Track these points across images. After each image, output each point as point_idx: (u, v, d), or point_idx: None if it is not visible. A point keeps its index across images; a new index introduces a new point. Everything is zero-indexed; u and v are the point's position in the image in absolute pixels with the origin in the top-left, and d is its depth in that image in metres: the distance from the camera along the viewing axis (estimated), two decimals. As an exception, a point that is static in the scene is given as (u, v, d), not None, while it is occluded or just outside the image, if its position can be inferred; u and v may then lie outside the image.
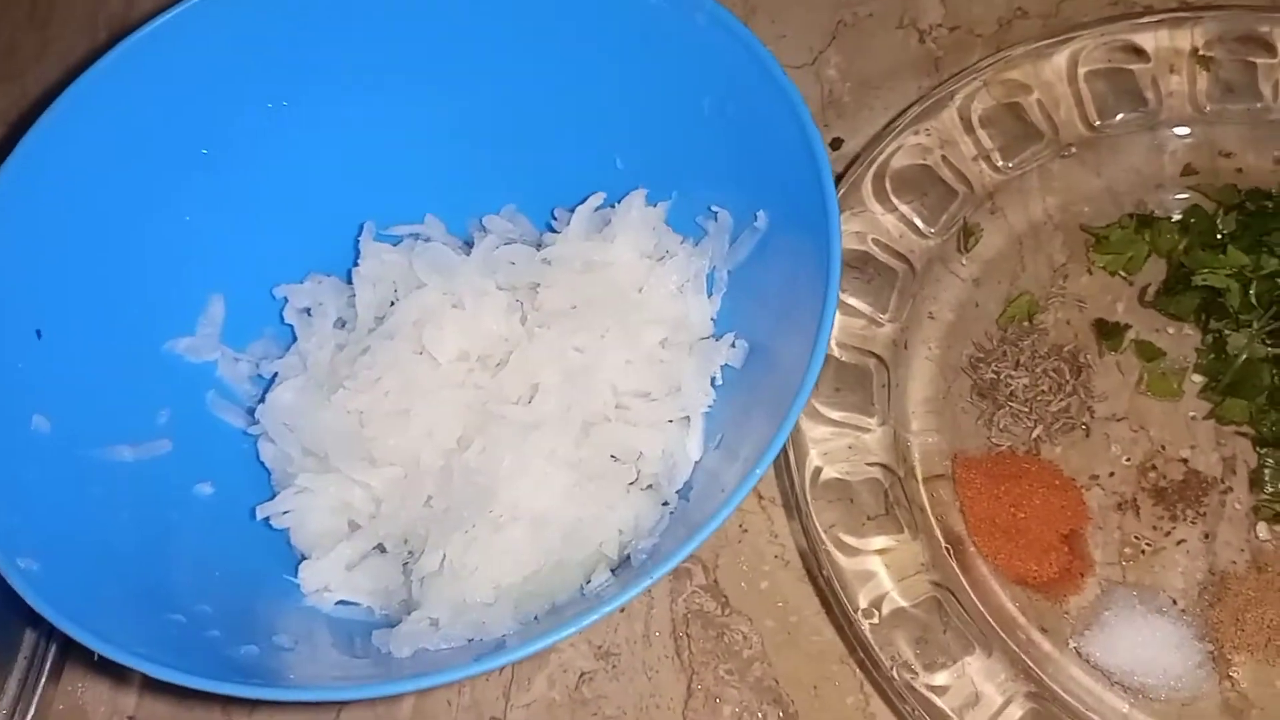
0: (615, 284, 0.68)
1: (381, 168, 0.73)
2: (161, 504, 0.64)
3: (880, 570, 0.63)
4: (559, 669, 0.68)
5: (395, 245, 0.72)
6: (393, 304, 0.71)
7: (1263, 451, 0.67)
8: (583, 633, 0.68)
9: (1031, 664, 0.62)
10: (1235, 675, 0.62)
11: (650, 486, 0.65)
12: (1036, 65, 0.75)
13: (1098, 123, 0.75)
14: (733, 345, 0.65)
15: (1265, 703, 0.62)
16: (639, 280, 0.68)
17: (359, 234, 0.73)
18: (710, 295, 0.67)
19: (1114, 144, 0.76)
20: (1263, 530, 0.66)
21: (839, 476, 0.66)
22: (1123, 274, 0.73)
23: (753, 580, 0.69)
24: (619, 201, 0.69)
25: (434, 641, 0.58)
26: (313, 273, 0.72)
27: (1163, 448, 0.68)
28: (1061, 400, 0.70)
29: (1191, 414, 0.69)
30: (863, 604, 0.62)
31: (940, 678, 0.60)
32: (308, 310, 0.72)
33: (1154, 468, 0.68)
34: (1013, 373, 0.70)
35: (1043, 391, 0.70)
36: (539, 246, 0.71)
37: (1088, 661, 0.63)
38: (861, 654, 0.63)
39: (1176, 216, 0.73)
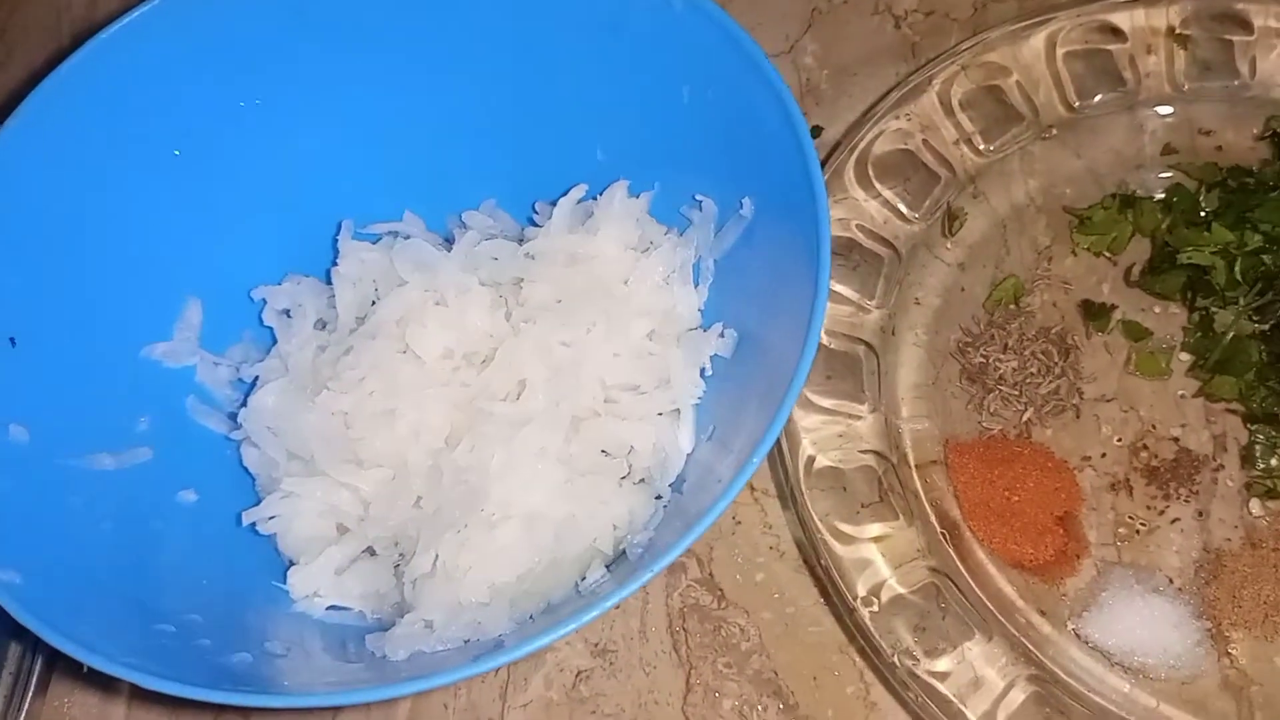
0: (600, 277, 0.67)
1: (357, 165, 0.71)
2: (144, 513, 0.62)
3: (877, 558, 0.63)
4: (555, 668, 0.67)
5: (374, 244, 0.71)
6: (373, 303, 0.70)
7: (1253, 428, 0.67)
8: (579, 630, 0.67)
9: (1031, 647, 0.62)
10: (1234, 652, 0.62)
11: (642, 480, 0.65)
12: (1015, 47, 0.75)
13: (1077, 104, 0.75)
14: (721, 335, 0.64)
15: (1264, 679, 0.62)
16: (624, 272, 0.67)
17: (336, 233, 0.72)
18: (697, 285, 0.67)
19: (1093, 125, 0.76)
20: (1255, 506, 0.66)
21: (832, 465, 0.65)
22: (1107, 254, 0.73)
23: (748, 572, 0.68)
24: (601, 193, 0.68)
25: (430, 644, 0.58)
26: (291, 273, 0.71)
27: (1153, 427, 0.68)
28: (1051, 382, 0.69)
29: (1180, 392, 0.69)
30: (861, 592, 0.62)
31: (942, 663, 0.60)
32: (287, 312, 0.71)
33: (1145, 447, 0.68)
34: (1001, 356, 0.70)
35: (1032, 374, 0.70)
36: (520, 241, 0.70)
37: (1087, 643, 0.63)
38: (862, 642, 0.62)
39: (1159, 196, 0.73)
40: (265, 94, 0.69)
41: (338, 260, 0.70)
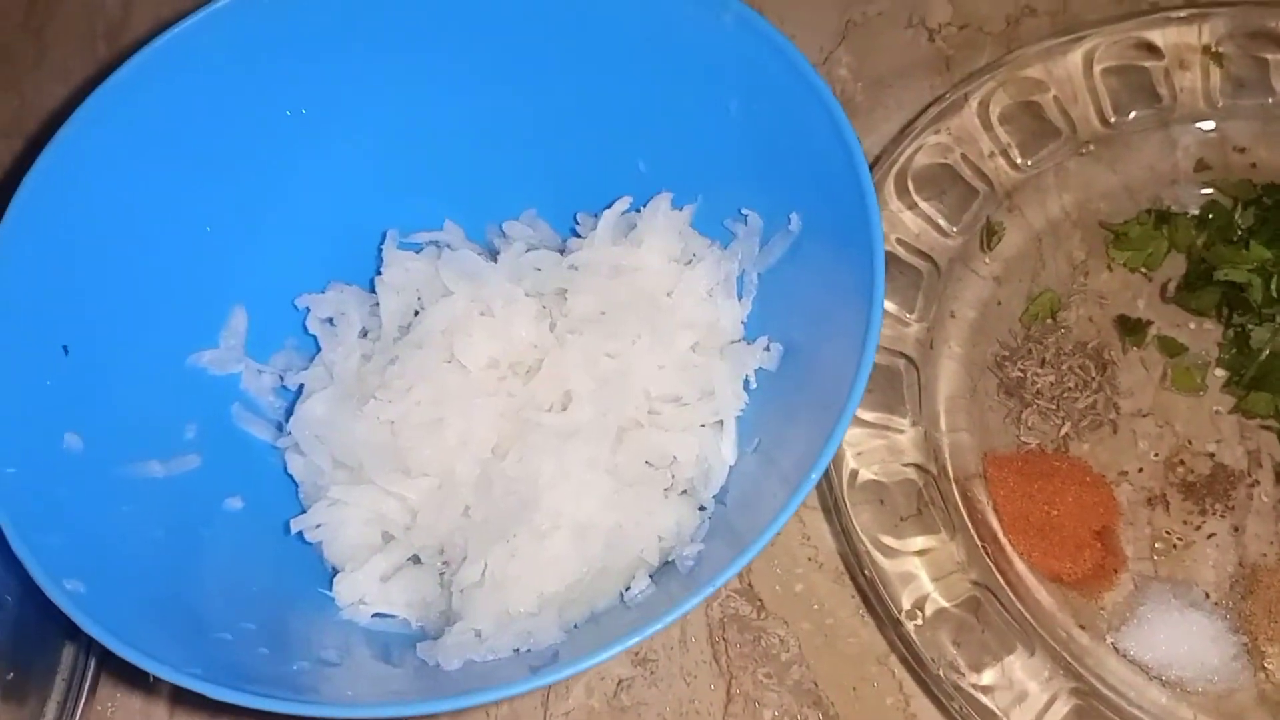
0: (644, 289, 0.68)
1: (400, 174, 0.72)
2: (194, 520, 0.63)
3: (920, 571, 0.64)
4: (596, 676, 0.67)
5: (417, 253, 0.71)
6: (416, 313, 0.70)
7: (1288, 445, 0.68)
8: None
9: (1072, 660, 0.62)
10: (1270, 667, 0.63)
11: (685, 492, 0.65)
12: (1052, 63, 0.76)
13: (1113, 119, 0.76)
14: (766, 349, 0.65)
15: (1301, 694, 0.62)
16: (668, 285, 0.68)
17: (378, 242, 0.72)
18: (740, 298, 0.67)
19: (1128, 141, 0.76)
20: (1291, 522, 0.67)
21: (875, 478, 0.66)
22: (1142, 270, 0.74)
23: (787, 583, 0.69)
24: (644, 206, 0.69)
25: (480, 653, 0.58)
26: (334, 281, 0.72)
27: (1189, 442, 0.69)
28: (1088, 397, 0.70)
29: (1216, 408, 0.70)
30: (906, 605, 0.62)
31: (986, 677, 0.60)
32: (330, 320, 0.71)
33: (1181, 462, 0.69)
34: (1039, 370, 0.71)
35: (1069, 389, 0.70)
36: (562, 251, 0.70)
37: (1125, 656, 0.64)
38: (906, 655, 0.63)
39: (1193, 212, 0.74)
40: (310, 103, 0.69)
41: (382, 269, 0.71)
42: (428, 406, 0.65)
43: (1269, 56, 0.76)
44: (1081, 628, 0.64)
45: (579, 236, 0.71)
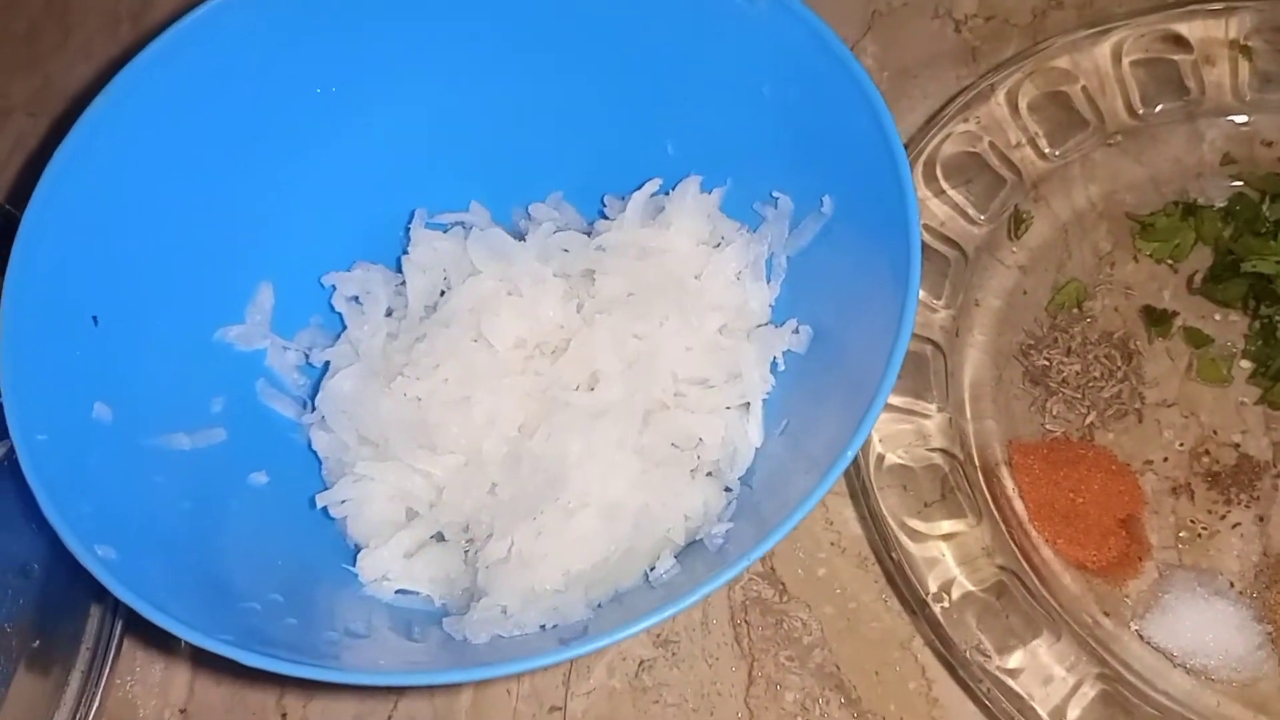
0: (671, 271, 0.68)
1: (427, 154, 0.72)
2: (220, 493, 0.63)
3: (946, 555, 0.63)
4: (618, 657, 0.67)
5: (444, 233, 0.71)
6: (442, 292, 0.70)
7: (1314, 436, 0.68)
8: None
9: (1097, 646, 0.62)
10: (1294, 657, 0.63)
11: (710, 474, 0.65)
12: (1081, 55, 0.75)
13: (1141, 111, 0.76)
14: (795, 332, 0.65)
15: (1325, 685, 0.62)
16: (696, 267, 0.68)
17: (405, 222, 0.72)
18: (769, 281, 0.67)
19: (1155, 133, 0.76)
20: (1315, 513, 0.67)
21: (901, 462, 0.66)
22: (1169, 261, 0.73)
23: (810, 567, 0.69)
24: (672, 188, 0.69)
25: (507, 628, 0.58)
26: (359, 260, 0.72)
27: (1214, 432, 0.69)
28: (1113, 386, 0.70)
29: (1241, 399, 0.70)
30: (933, 588, 0.62)
31: (1013, 660, 0.60)
32: (356, 298, 0.71)
33: (1206, 452, 0.69)
34: (1064, 359, 0.71)
35: (1094, 378, 0.70)
36: (588, 234, 0.70)
37: (1150, 643, 0.63)
38: (933, 637, 0.63)
39: (1219, 204, 0.74)
40: (340, 82, 0.69)
41: (409, 248, 0.71)
42: (455, 385, 0.65)
43: (1297, 51, 0.76)
44: (1106, 614, 0.64)
45: (606, 219, 0.71)
